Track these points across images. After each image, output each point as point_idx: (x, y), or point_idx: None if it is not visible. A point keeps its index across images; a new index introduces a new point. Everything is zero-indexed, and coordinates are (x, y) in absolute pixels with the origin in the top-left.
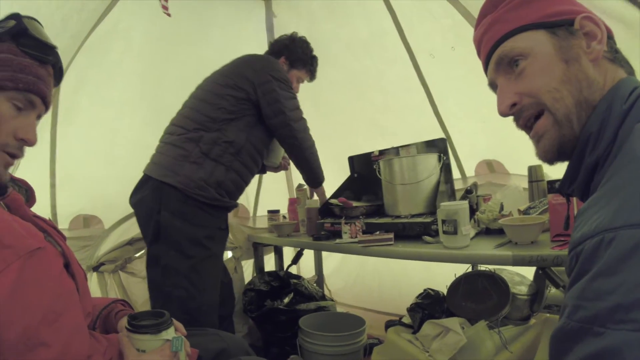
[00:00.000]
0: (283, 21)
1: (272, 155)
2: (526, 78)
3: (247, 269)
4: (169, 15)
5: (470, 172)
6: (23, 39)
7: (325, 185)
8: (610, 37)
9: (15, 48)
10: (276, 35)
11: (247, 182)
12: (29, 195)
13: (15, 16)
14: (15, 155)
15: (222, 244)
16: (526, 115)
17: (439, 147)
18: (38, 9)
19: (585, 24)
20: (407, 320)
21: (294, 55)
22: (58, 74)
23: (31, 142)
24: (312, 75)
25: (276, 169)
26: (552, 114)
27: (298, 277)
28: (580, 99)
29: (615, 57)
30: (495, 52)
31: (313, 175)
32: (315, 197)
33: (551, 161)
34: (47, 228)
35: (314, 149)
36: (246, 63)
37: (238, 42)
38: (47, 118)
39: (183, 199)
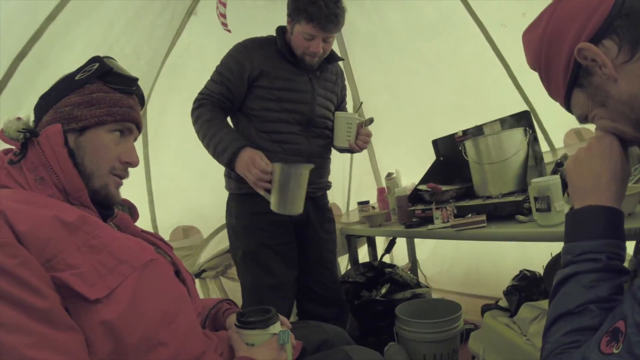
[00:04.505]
0: (348, 16)
1: (334, 137)
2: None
3: (342, 262)
4: (229, 31)
5: (559, 143)
6: (109, 77)
7: (412, 171)
8: (614, 26)
9: (104, 86)
10: (343, 32)
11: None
12: (132, 212)
13: (97, 59)
14: (122, 176)
15: (273, 230)
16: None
17: (524, 120)
18: (110, 46)
19: (585, 55)
20: (503, 303)
21: (289, 8)
22: (141, 100)
23: (135, 163)
24: (311, 21)
25: (347, 149)
26: (630, 140)
27: (392, 265)
28: (633, 123)
29: (636, 48)
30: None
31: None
32: None
33: None
34: (156, 241)
35: (198, 126)
36: None
37: None
38: (138, 140)
39: (229, 197)
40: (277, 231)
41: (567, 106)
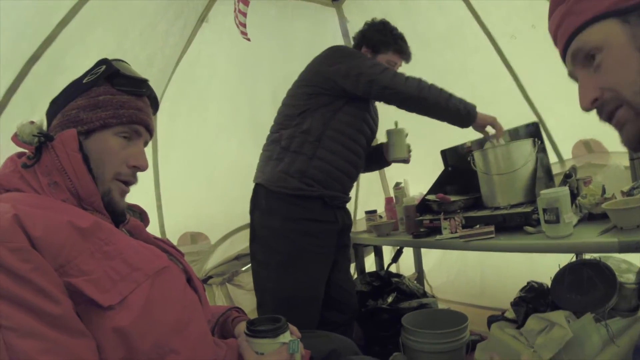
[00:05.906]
0: (357, 24)
1: (393, 150)
2: (605, 72)
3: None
4: (248, 40)
5: (567, 154)
6: (117, 79)
7: (421, 181)
8: None
9: (111, 89)
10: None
11: (344, 170)
12: (143, 218)
13: (104, 61)
14: (129, 182)
15: (322, 238)
16: (607, 109)
17: (533, 132)
18: (125, 53)
19: None
20: (510, 314)
21: (372, 40)
22: (154, 102)
23: (143, 167)
24: (401, 53)
25: (402, 160)
26: (633, 107)
27: (399, 275)
28: None
29: None
30: (570, 46)
31: (451, 113)
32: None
33: (636, 150)
34: (168, 248)
35: (423, 84)
36: (313, 60)
37: (319, 51)
38: (147, 146)
39: (269, 194)
40: (325, 239)
41: (574, 31)
